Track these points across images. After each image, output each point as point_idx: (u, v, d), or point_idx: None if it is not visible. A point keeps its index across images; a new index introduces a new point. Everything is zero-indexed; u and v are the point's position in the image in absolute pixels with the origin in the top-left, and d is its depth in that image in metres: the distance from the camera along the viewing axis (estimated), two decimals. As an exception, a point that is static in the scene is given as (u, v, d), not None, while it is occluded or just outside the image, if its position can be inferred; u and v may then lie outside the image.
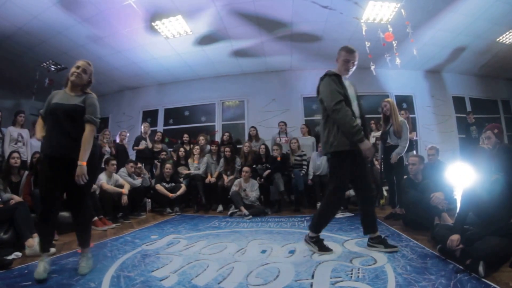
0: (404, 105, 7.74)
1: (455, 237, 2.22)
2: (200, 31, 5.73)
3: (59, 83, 6.74)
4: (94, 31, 5.51)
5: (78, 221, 2.47)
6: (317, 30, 5.85)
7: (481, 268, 1.92)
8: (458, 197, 3.61)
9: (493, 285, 1.79)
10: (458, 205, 2.64)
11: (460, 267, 2.08)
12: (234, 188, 4.98)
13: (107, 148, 5.71)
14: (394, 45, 5.10)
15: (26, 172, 3.88)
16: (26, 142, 5.05)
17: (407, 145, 4.08)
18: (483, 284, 1.82)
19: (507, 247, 2.09)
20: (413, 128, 6.38)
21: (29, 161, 4.66)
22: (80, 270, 2.32)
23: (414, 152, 5.68)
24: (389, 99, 4.42)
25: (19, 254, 2.73)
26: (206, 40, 6.08)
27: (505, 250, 2.08)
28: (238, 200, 4.82)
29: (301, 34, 5.98)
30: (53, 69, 6.87)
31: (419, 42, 5.86)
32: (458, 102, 8.14)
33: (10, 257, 2.59)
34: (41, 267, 2.19)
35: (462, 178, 4.20)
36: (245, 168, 5.10)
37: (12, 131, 4.91)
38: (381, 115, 4.48)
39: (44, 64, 6.68)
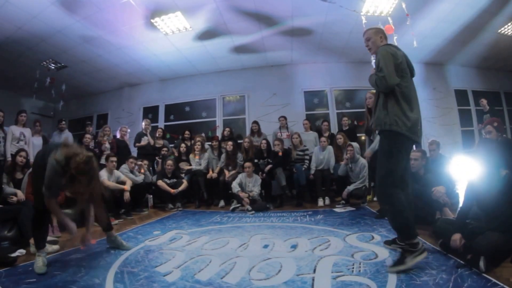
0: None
1: (457, 237, 2.22)
2: (199, 27, 5.70)
3: (60, 82, 6.83)
4: (93, 29, 5.49)
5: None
6: (317, 24, 5.81)
7: (481, 263, 1.93)
8: (460, 191, 3.60)
9: (494, 280, 1.80)
10: (461, 199, 2.63)
11: (461, 262, 2.09)
12: (236, 186, 4.98)
13: (106, 145, 5.73)
14: (395, 38, 5.06)
15: (29, 171, 3.90)
16: (28, 141, 5.08)
17: None
18: (484, 279, 1.83)
19: (508, 242, 2.09)
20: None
21: (32, 160, 4.68)
22: (128, 246, 2.95)
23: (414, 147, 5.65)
24: (373, 91, 4.37)
25: (23, 251, 2.76)
26: (206, 35, 6.05)
27: (506, 245, 2.08)
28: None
29: (301, 28, 5.94)
30: (53, 67, 6.88)
31: (419, 35, 5.80)
32: (460, 95, 8.10)
33: (14, 255, 2.62)
34: (40, 261, 2.32)
35: (464, 172, 4.20)
36: (247, 164, 5.10)
37: (14, 130, 4.94)
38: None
39: (44, 63, 6.69)
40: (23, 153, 3.82)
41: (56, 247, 2.92)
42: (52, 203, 2.37)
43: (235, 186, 4.94)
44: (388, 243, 2.60)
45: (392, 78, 2.23)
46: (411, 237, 2.18)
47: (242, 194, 4.83)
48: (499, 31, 6.21)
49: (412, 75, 2.48)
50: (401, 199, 2.21)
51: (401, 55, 2.37)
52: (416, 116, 2.33)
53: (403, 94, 2.30)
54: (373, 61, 2.54)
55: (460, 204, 2.56)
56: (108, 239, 3.01)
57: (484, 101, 6.58)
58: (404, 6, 4.79)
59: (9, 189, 3.51)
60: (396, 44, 4.96)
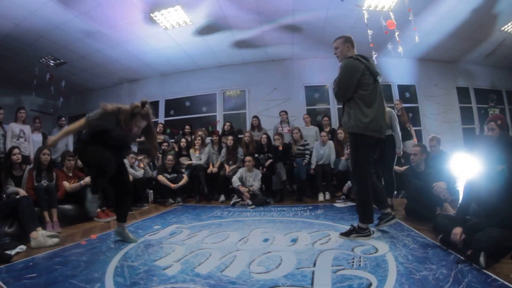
0: (407, 95, 7.70)
1: (458, 231, 2.22)
2: (199, 21, 5.67)
3: (59, 78, 6.78)
4: (92, 24, 5.46)
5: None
6: (318, 19, 5.77)
7: (482, 259, 1.92)
8: (460, 188, 3.59)
9: (494, 276, 1.79)
10: (461, 195, 2.63)
11: (461, 257, 2.08)
12: (236, 180, 4.98)
13: None
14: (396, 33, 5.02)
15: (28, 167, 3.90)
16: (28, 138, 5.10)
17: (400, 135, 4.02)
18: (484, 275, 1.82)
19: (508, 238, 2.08)
20: (410, 119, 6.34)
21: (32, 156, 4.68)
22: (135, 238, 3.02)
23: (413, 141, 5.65)
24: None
25: (23, 247, 2.77)
26: (206, 30, 6.02)
27: (506, 241, 2.08)
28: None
29: (302, 22, 5.90)
30: (52, 64, 6.86)
31: (421, 30, 5.77)
32: (462, 92, 8.07)
33: (14, 251, 2.63)
34: (130, 234, 2.92)
35: (465, 168, 4.18)
36: (247, 158, 5.11)
37: (14, 127, 4.96)
38: None
39: (43, 59, 6.66)
40: (16, 150, 3.80)
41: (56, 240, 2.93)
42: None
43: (235, 181, 4.94)
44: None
45: (342, 95, 2.73)
46: (366, 221, 2.74)
47: (242, 189, 4.84)
48: (502, 28, 6.16)
49: (376, 79, 2.76)
50: (365, 188, 2.76)
51: (362, 68, 2.66)
52: (373, 114, 2.65)
53: (363, 99, 2.66)
54: None
55: (460, 201, 2.56)
56: (117, 230, 3.03)
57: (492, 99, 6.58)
58: (406, 0, 4.75)
59: (9, 189, 3.52)
60: (397, 39, 4.99)
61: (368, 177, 2.76)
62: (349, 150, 4.76)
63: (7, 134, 4.84)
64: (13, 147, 3.92)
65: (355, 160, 2.80)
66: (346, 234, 2.76)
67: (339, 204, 4.54)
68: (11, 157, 3.74)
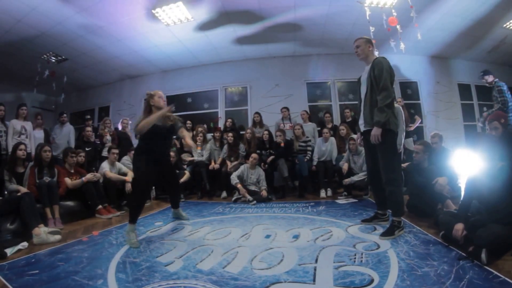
0: (409, 92, 7.68)
1: (459, 227, 2.21)
2: (201, 17, 5.63)
3: (61, 74, 6.74)
4: (93, 20, 5.42)
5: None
6: (320, 15, 5.73)
7: (483, 256, 1.92)
8: (462, 184, 3.58)
9: (495, 272, 1.79)
10: (462, 192, 2.62)
11: (463, 254, 2.08)
12: (234, 178, 4.97)
13: (108, 137, 5.73)
14: (399, 29, 4.99)
15: (31, 164, 3.91)
16: (29, 135, 5.09)
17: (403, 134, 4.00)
18: (485, 271, 1.82)
19: (510, 235, 2.07)
20: (411, 116, 6.34)
21: (33, 153, 4.70)
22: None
23: (412, 139, 5.64)
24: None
25: (25, 244, 2.78)
26: (208, 26, 5.99)
27: (508, 238, 2.07)
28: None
29: (304, 19, 5.86)
30: (53, 60, 6.84)
31: (424, 27, 5.73)
32: (464, 89, 8.03)
33: (16, 248, 2.64)
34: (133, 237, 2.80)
35: (467, 165, 4.17)
36: (253, 155, 5.07)
37: (15, 124, 4.94)
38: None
39: (45, 56, 6.64)
40: (22, 146, 3.81)
41: (58, 236, 2.94)
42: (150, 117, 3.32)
43: (233, 178, 4.91)
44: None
45: (391, 93, 2.70)
46: (400, 214, 2.75)
47: (240, 187, 4.82)
48: (504, 25, 6.12)
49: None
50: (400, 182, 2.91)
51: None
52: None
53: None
54: (367, 68, 2.92)
55: (462, 197, 2.56)
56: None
57: None
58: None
59: (11, 186, 3.52)
60: (399, 36, 4.97)
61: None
62: (350, 146, 4.77)
63: (8, 131, 4.84)
64: (19, 143, 3.93)
65: (392, 155, 2.77)
66: (388, 234, 2.62)
67: (341, 201, 4.54)
68: (17, 152, 3.74)
